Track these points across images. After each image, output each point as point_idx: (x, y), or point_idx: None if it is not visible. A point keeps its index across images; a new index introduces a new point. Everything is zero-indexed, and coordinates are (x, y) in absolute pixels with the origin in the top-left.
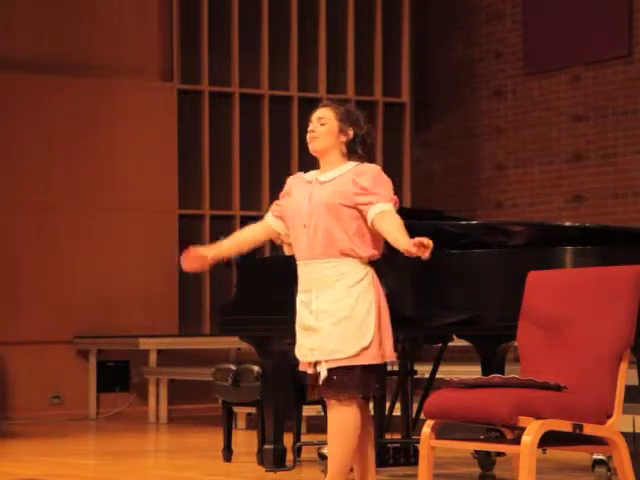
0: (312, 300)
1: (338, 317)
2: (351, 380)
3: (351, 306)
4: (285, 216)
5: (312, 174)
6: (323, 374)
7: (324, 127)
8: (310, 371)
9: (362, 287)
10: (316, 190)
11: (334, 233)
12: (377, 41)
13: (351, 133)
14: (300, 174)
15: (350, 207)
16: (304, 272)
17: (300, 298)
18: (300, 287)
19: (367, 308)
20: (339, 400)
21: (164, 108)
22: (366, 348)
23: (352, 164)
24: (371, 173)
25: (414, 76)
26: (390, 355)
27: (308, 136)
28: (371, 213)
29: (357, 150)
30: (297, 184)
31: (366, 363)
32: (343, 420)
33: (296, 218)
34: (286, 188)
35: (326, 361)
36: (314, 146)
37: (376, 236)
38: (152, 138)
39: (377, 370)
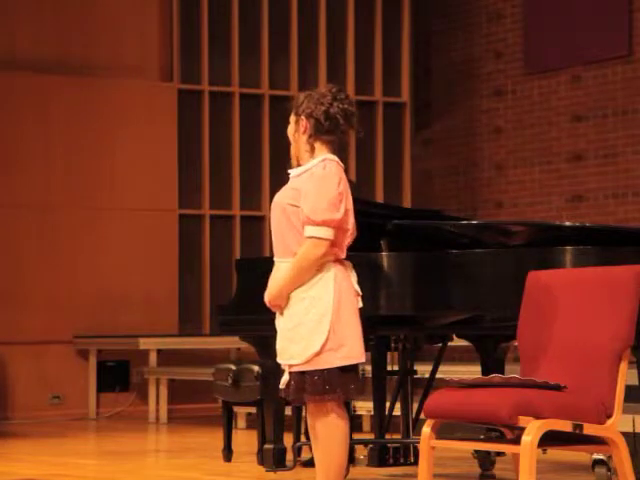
0: None
1: (293, 323)
2: (303, 385)
3: (302, 312)
4: None
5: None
6: (284, 378)
7: (289, 131)
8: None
9: (316, 291)
10: (287, 184)
11: (285, 233)
12: (377, 41)
13: (304, 121)
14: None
15: (299, 207)
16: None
17: None
18: None
19: (321, 312)
20: (313, 408)
21: (164, 108)
22: (318, 354)
23: (317, 160)
24: (313, 183)
25: (414, 76)
26: (356, 357)
27: None
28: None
29: (325, 133)
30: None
31: (319, 368)
32: (323, 430)
33: None
34: None
35: (286, 366)
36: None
37: (338, 233)
38: (152, 138)
39: (337, 373)
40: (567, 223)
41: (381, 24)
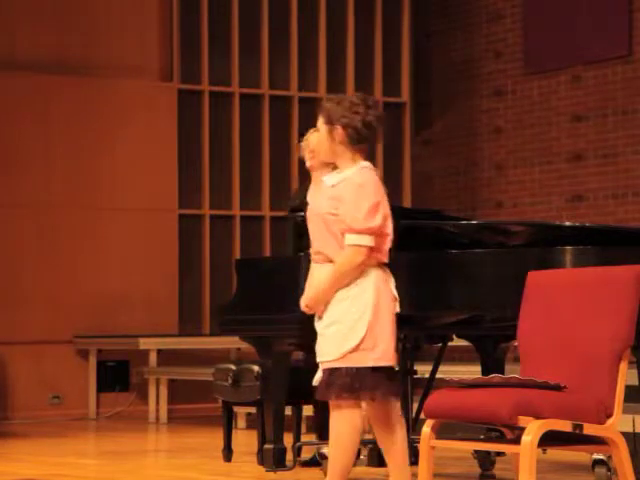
0: None
1: (330, 320)
2: (334, 381)
3: (342, 311)
4: None
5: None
6: (317, 375)
7: (315, 139)
8: None
9: (356, 291)
10: (323, 193)
11: (326, 241)
12: (377, 41)
13: (340, 130)
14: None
15: (338, 216)
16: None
17: None
18: None
19: (362, 310)
20: (331, 401)
21: (164, 108)
22: (353, 350)
23: (355, 168)
24: (351, 192)
25: (414, 76)
26: (389, 359)
27: None
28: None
29: (362, 141)
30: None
31: (352, 365)
32: (336, 423)
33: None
34: None
35: (320, 363)
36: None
37: (378, 239)
38: (152, 138)
39: (368, 373)
40: (567, 223)
41: (381, 24)
